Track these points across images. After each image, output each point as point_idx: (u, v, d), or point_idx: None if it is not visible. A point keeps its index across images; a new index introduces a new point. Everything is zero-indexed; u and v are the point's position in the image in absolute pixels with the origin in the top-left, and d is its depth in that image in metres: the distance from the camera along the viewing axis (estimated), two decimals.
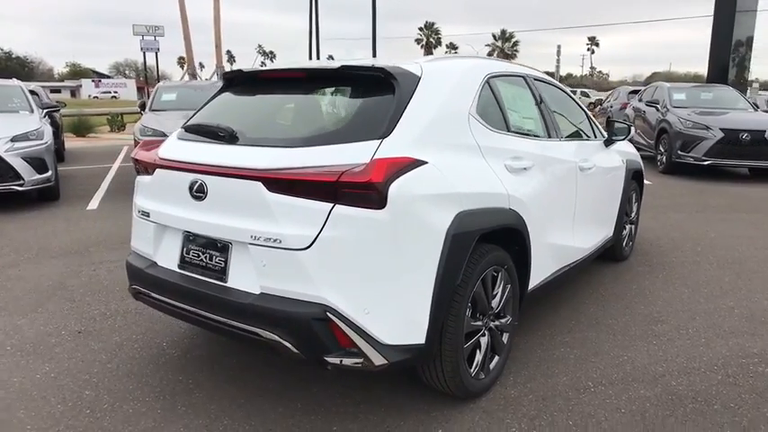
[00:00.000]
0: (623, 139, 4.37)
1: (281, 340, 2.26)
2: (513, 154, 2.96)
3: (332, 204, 2.20)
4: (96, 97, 63.25)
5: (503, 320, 2.90)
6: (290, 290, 2.28)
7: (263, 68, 3.01)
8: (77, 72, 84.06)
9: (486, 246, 2.65)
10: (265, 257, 2.31)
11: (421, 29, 73.40)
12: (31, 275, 4.69)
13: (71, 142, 15.26)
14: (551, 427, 2.57)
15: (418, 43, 73.38)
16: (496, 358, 2.89)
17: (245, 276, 2.41)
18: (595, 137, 4.29)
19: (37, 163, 7.26)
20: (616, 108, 15.22)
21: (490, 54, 74.90)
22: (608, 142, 4.35)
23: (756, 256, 5.27)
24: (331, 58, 34.22)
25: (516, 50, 73.19)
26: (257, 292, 2.36)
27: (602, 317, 3.82)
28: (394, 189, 2.20)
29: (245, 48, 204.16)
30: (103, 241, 5.73)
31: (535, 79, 3.65)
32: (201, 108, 3.11)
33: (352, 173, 2.18)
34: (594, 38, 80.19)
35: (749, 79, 23.62)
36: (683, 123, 9.66)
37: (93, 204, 7.59)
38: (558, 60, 56.25)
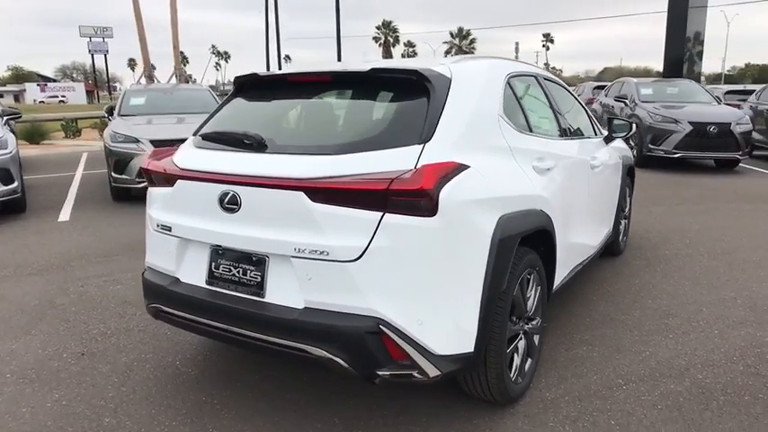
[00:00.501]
0: (624, 137, 4.42)
1: (332, 357, 2.17)
2: (537, 155, 2.95)
3: (381, 213, 2.12)
4: (43, 102, 60.70)
5: (534, 323, 2.89)
6: (338, 303, 2.19)
7: (285, 72, 2.88)
8: (20, 76, 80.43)
9: (522, 249, 2.62)
10: (311, 270, 2.21)
11: (378, 27, 73.44)
12: (14, 295, 4.42)
13: (25, 150, 14.53)
14: (595, 427, 2.57)
15: (376, 41, 73.41)
16: (529, 361, 2.87)
17: (285, 291, 2.31)
18: (596, 134, 4.33)
19: (2, 174, 6.87)
20: None
21: (448, 52, 75.62)
22: (608, 139, 4.41)
23: (743, 246, 5.44)
24: (288, 58, 33.91)
25: (473, 48, 74.09)
26: (301, 307, 2.26)
27: (614, 312, 3.86)
28: (444, 195, 2.14)
29: (197, 48, 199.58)
30: (84, 255, 5.45)
31: (545, 78, 3.65)
32: (214, 114, 2.97)
33: (403, 180, 2.10)
34: (549, 34, 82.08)
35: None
36: (652, 117, 9.94)
37: (65, 215, 7.22)
38: (516, 57, 57.20)
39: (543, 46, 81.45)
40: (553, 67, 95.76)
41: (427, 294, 2.19)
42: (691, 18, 21.72)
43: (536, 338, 2.94)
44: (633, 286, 4.38)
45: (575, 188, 3.43)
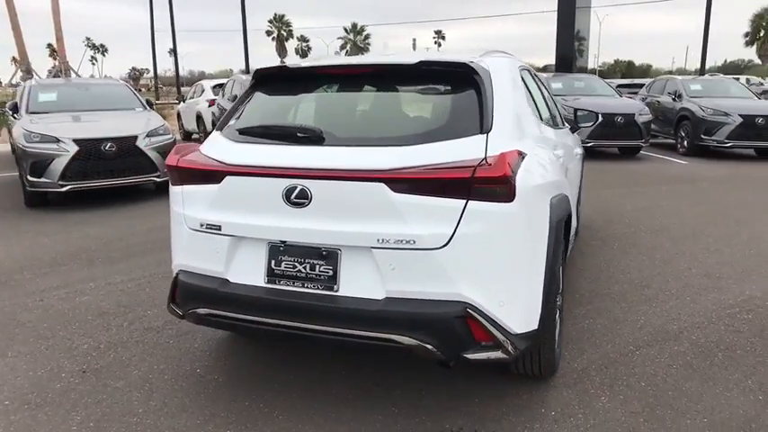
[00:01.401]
0: (590, 126, 4.78)
1: (422, 343, 2.20)
2: (553, 143, 3.14)
3: (465, 201, 2.19)
4: None
5: (560, 296, 3.09)
6: (424, 291, 2.23)
7: (319, 64, 2.82)
8: None
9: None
10: (394, 260, 2.22)
11: (271, 21, 71.82)
12: None
13: None
14: (630, 389, 2.81)
15: (269, 35, 71.78)
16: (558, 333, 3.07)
17: (362, 282, 2.30)
18: (564, 124, 4.65)
19: None
20: None
21: (343, 47, 75.75)
22: (573, 129, 4.74)
23: (674, 223, 6.09)
24: (173, 52, 32.24)
25: (368, 43, 74.79)
26: (381, 298, 2.27)
27: (598, 288, 4.19)
28: (519, 181, 2.25)
29: (70, 40, 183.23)
30: (28, 266, 4.94)
31: (531, 70, 3.87)
32: (238, 108, 2.85)
33: (485, 168, 2.18)
34: (441, 31, 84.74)
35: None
36: (567, 110, 10.71)
37: None
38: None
39: (435, 42, 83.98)
40: None
41: (507, 276, 2.29)
42: (578, 17, 23.55)
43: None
44: (601, 263, 4.77)
45: (572, 174, 3.69)
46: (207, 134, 12.59)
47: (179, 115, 17.28)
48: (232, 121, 2.78)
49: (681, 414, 2.60)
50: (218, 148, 2.61)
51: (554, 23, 22.25)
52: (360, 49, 75.41)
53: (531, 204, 2.32)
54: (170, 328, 3.60)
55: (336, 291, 2.33)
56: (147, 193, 8.01)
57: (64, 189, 7.08)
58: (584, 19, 23.92)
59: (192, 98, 16.14)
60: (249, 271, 2.47)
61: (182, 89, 31.12)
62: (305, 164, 2.32)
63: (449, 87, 2.57)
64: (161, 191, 8.01)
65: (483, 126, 2.37)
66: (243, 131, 2.63)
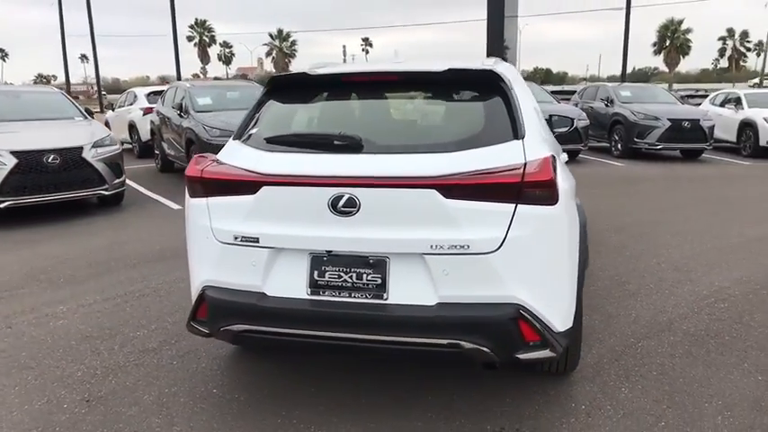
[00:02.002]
0: (566, 131, 4.99)
1: (478, 346, 2.22)
2: (558, 147, 3.27)
3: (514, 204, 2.24)
4: None
5: None
6: (478, 294, 2.25)
7: (343, 71, 2.78)
8: None
9: None
10: (448, 265, 2.24)
11: (192, 26, 69.57)
12: None
13: None
14: (645, 379, 2.96)
15: (190, 41, 69.49)
16: None
17: (412, 289, 2.29)
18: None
19: None
20: None
21: (269, 54, 74.63)
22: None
23: (630, 222, 6.47)
24: (85, 58, 30.66)
25: (295, 50, 74.06)
26: (434, 303, 2.27)
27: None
28: (559, 184, 2.33)
29: None
30: None
31: None
32: (258, 116, 2.77)
33: (532, 172, 2.24)
34: (368, 38, 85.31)
35: None
36: None
37: None
38: (344, 60, 58.51)
39: (363, 50, 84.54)
40: None
41: (551, 277, 2.36)
42: (506, 26, 24.50)
43: None
44: None
45: None
46: (143, 144, 11.85)
47: (107, 124, 16.38)
48: (253, 130, 2.69)
49: (697, 399, 2.77)
50: (246, 157, 2.52)
51: (474, 31, 23.10)
52: (286, 55, 74.62)
53: (568, 207, 2.41)
54: (168, 349, 3.43)
55: (386, 299, 2.32)
56: (91, 208, 7.57)
57: (2, 206, 6.56)
58: (511, 28, 24.91)
59: (122, 106, 15.35)
60: (289, 283, 2.41)
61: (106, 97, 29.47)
62: (351, 172, 2.30)
63: (477, 94, 2.62)
64: (107, 205, 7.60)
65: (517, 132, 2.44)
66: (272, 140, 2.55)
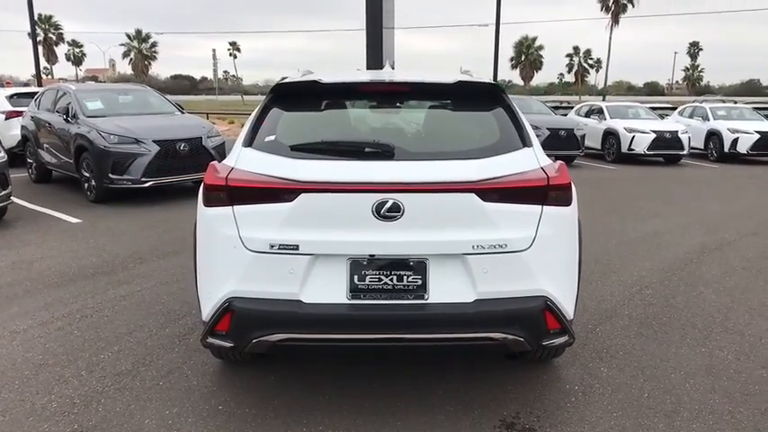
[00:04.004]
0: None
1: (516, 337, 2.41)
2: None
3: (541, 206, 2.47)
4: None
5: None
6: (512, 289, 2.44)
7: (355, 81, 2.82)
8: None
9: None
10: (487, 264, 2.40)
11: (36, 22, 62.71)
12: None
13: None
14: (615, 358, 3.35)
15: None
16: None
17: (451, 288, 2.42)
18: None
19: None
20: None
21: (126, 55, 69.68)
22: None
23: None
24: None
25: (155, 52, 69.81)
26: (471, 300, 2.42)
27: None
28: (572, 187, 2.61)
29: None
30: None
31: None
32: (269, 122, 2.72)
33: (555, 177, 2.49)
34: (236, 42, 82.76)
35: None
36: None
37: None
38: (215, 64, 56.18)
39: (231, 54, 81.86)
40: (233, 75, 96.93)
41: (566, 270, 2.61)
42: (384, 37, 25.30)
43: None
44: None
45: None
46: (6, 150, 10.64)
47: None
48: (269, 137, 2.65)
49: (664, 371, 3.20)
50: (275, 165, 2.48)
51: (337, 40, 23.75)
52: (146, 57, 70.22)
53: (575, 208, 2.69)
54: (146, 370, 3.21)
55: (427, 299, 2.42)
56: None
57: None
58: (388, 39, 25.83)
59: None
60: (328, 289, 2.42)
61: None
62: (394, 178, 2.37)
63: (485, 105, 2.81)
64: None
65: (524, 140, 2.68)
66: (300, 148, 2.54)
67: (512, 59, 64.94)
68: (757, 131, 13.90)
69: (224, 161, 2.67)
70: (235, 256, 2.45)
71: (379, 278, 2.42)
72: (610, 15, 53.12)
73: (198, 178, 8.66)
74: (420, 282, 2.42)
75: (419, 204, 2.37)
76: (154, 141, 7.93)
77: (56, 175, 9.58)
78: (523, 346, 2.47)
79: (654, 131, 13.53)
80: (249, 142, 2.67)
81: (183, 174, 8.29)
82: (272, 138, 2.65)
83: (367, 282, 2.42)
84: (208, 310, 2.56)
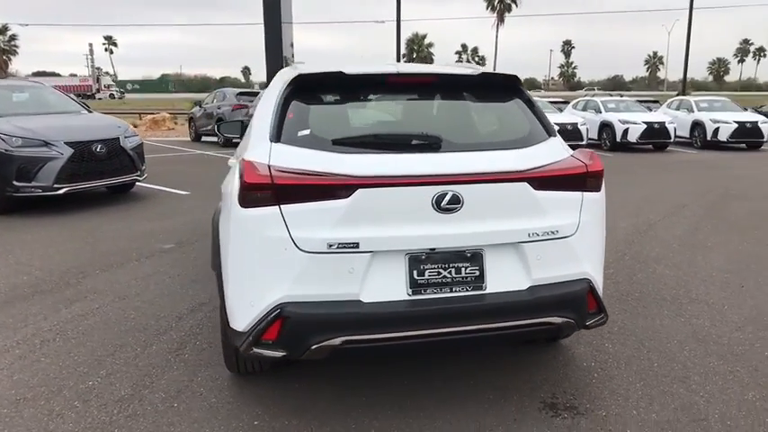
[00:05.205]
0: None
1: (569, 319, 2.49)
2: None
3: (581, 192, 2.56)
4: None
5: None
6: (561, 274, 2.51)
7: (381, 72, 2.72)
8: None
9: None
10: (540, 251, 2.44)
11: None
12: None
13: None
14: (614, 335, 3.55)
15: None
16: None
17: (507, 277, 2.44)
18: None
19: None
20: (227, 110, 16.03)
21: None
22: None
23: None
24: None
25: (15, 46, 63.02)
26: (525, 287, 2.46)
27: None
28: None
29: None
30: None
31: None
32: (296, 116, 2.57)
33: (592, 164, 2.59)
34: (111, 37, 76.66)
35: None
36: None
37: None
38: (92, 60, 51.64)
39: (106, 49, 75.80)
40: (106, 72, 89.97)
41: (599, 251, 2.73)
42: (284, 31, 24.83)
43: None
44: None
45: None
46: None
47: None
48: (302, 132, 2.50)
49: (660, 342, 3.45)
50: (320, 160, 2.34)
51: (217, 36, 23.25)
52: (4, 51, 63.37)
53: (604, 193, 2.80)
54: (150, 393, 2.91)
55: (485, 289, 2.42)
56: None
57: None
58: (287, 33, 25.37)
59: None
60: (388, 286, 2.33)
61: None
62: (452, 169, 2.34)
63: (509, 96, 2.84)
64: None
65: (549, 130, 2.76)
66: (340, 142, 2.43)
67: (404, 56, 66.53)
68: (735, 121, 15.68)
69: (247, 157, 2.47)
70: (285, 259, 2.29)
71: (438, 272, 2.38)
72: (496, 14, 56.06)
73: (118, 183, 7.98)
74: (478, 272, 2.42)
75: (476, 195, 2.36)
76: (66, 144, 7.16)
77: None
78: (574, 327, 2.55)
79: (644, 122, 15.37)
80: (277, 137, 2.50)
81: (100, 178, 7.59)
82: (307, 132, 2.51)
83: (426, 276, 2.37)
84: (250, 319, 2.37)
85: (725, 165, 12.59)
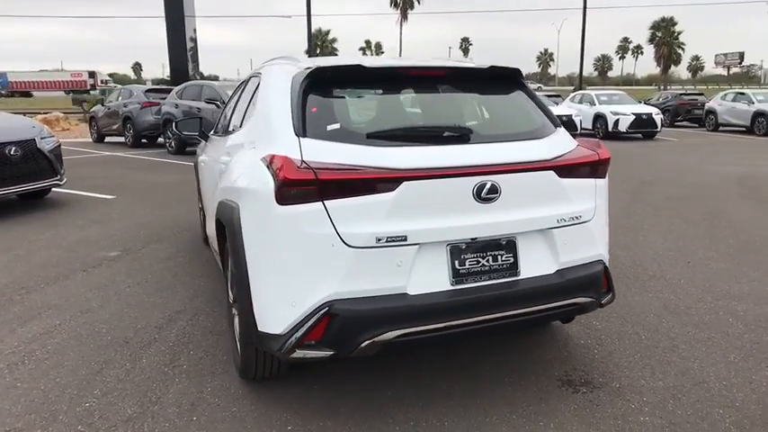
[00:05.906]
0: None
1: (592, 299, 2.64)
2: None
3: (595, 179, 2.71)
4: None
5: None
6: (582, 257, 2.65)
7: (398, 65, 2.71)
8: None
9: None
10: (567, 236, 2.56)
11: None
12: None
13: None
14: (610, 315, 3.77)
15: None
16: None
17: (536, 262, 2.54)
18: None
19: None
20: (135, 108, 15.08)
21: None
22: None
23: None
24: None
25: None
26: (553, 271, 2.57)
27: None
28: None
29: None
30: None
31: None
32: (318, 109, 2.51)
33: (602, 152, 2.75)
34: None
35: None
36: None
37: None
38: None
39: None
40: None
41: (607, 234, 2.90)
42: (187, 24, 23.80)
43: None
44: None
45: None
46: None
47: None
48: (331, 125, 2.45)
49: (639, 316, 3.73)
50: (358, 154, 2.30)
51: (102, 30, 22.33)
52: None
53: (607, 179, 2.98)
54: (161, 409, 2.72)
55: (519, 275, 2.50)
56: None
57: None
58: (191, 26, 24.37)
59: None
60: (432, 277, 2.35)
61: None
62: (489, 160, 2.39)
63: (514, 89, 2.94)
64: None
65: (555, 121, 2.90)
66: (374, 135, 2.40)
67: (307, 51, 65.93)
68: (633, 113, 17.33)
69: (272, 153, 2.37)
70: (332, 255, 2.23)
71: (477, 260, 2.43)
72: (399, 11, 56.96)
73: (37, 188, 7.29)
74: (512, 259, 2.49)
75: (512, 184, 2.43)
76: None
77: None
78: (595, 306, 2.70)
79: (633, 114, 17.05)
80: (302, 131, 2.43)
81: (15, 184, 6.91)
82: (337, 126, 2.45)
83: (467, 265, 2.41)
84: (291, 320, 2.29)
85: (629, 153, 13.72)
